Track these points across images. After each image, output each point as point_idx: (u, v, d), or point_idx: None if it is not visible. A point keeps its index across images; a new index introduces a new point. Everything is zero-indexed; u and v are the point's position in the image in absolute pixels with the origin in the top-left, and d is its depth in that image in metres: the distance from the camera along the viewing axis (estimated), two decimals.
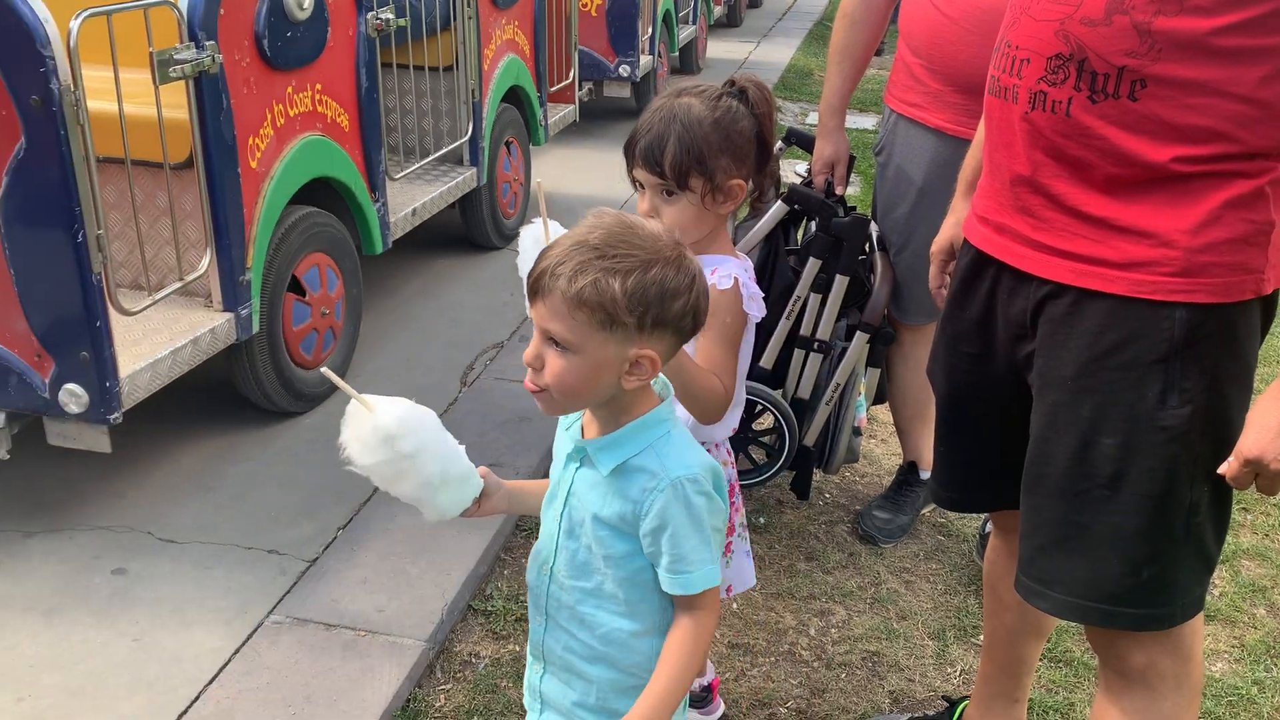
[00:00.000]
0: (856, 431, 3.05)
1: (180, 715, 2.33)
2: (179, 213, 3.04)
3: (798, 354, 2.95)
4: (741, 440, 2.97)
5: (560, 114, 5.97)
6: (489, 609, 2.74)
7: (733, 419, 1.99)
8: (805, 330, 2.91)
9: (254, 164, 3.14)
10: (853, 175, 3.03)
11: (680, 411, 1.83)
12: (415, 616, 2.62)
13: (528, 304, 1.36)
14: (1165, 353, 1.53)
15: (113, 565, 2.81)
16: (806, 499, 3.16)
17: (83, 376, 2.63)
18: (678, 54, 9.23)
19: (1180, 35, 1.43)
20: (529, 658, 1.60)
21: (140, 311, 2.83)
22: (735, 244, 2.34)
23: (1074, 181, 1.55)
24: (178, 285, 2.99)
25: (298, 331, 3.50)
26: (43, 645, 2.53)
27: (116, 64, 2.67)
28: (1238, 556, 3.07)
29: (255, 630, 2.58)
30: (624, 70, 7.33)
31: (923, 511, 3.22)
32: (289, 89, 3.27)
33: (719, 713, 2.40)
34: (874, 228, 2.93)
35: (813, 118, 7.90)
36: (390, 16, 3.76)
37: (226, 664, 2.47)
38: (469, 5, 4.45)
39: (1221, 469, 1.52)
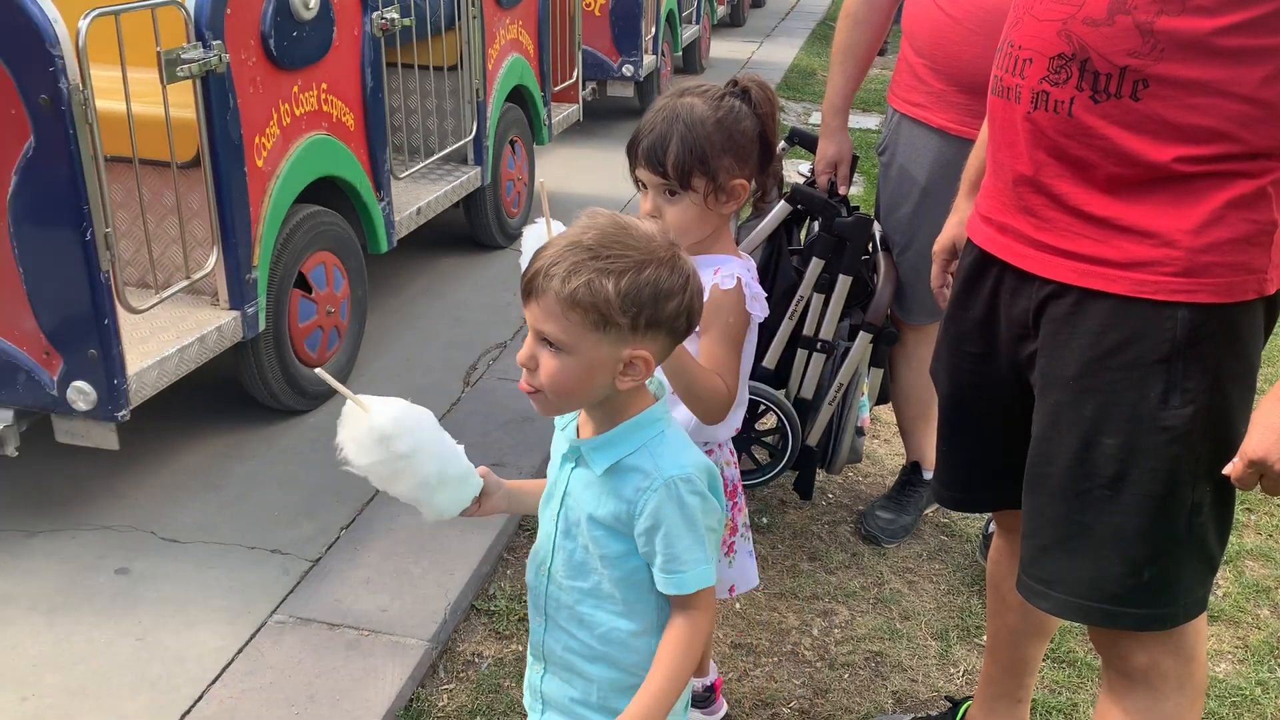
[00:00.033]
0: (859, 431, 3.05)
1: (183, 715, 2.34)
2: (186, 211, 3.04)
3: (801, 354, 2.95)
4: (744, 440, 2.97)
5: (564, 113, 5.98)
6: (492, 609, 2.74)
7: (736, 419, 1.99)
8: (808, 330, 2.91)
9: (260, 163, 3.15)
10: (856, 175, 3.03)
11: (684, 411, 1.84)
12: (418, 616, 2.63)
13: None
14: (1167, 353, 1.52)
15: (116, 565, 2.82)
16: (809, 499, 3.16)
17: (91, 374, 2.64)
18: (681, 54, 9.23)
19: (1182, 35, 1.43)
20: (529, 658, 1.60)
21: (148, 309, 2.84)
22: (738, 244, 2.34)
23: (1076, 181, 1.55)
24: (185, 283, 3.00)
25: (303, 328, 3.50)
26: (46, 645, 2.53)
27: (124, 63, 2.68)
28: (1241, 557, 3.06)
29: (258, 630, 2.59)
30: (627, 70, 7.33)
31: (926, 512, 3.22)
32: (295, 88, 3.28)
33: (722, 713, 2.40)
34: (877, 227, 2.93)
35: (816, 117, 7.90)
36: (395, 16, 3.77)
37: (230, 663, 2.48)
38: (473, 5, 4.46)
39: (1226, 470, 1.51)
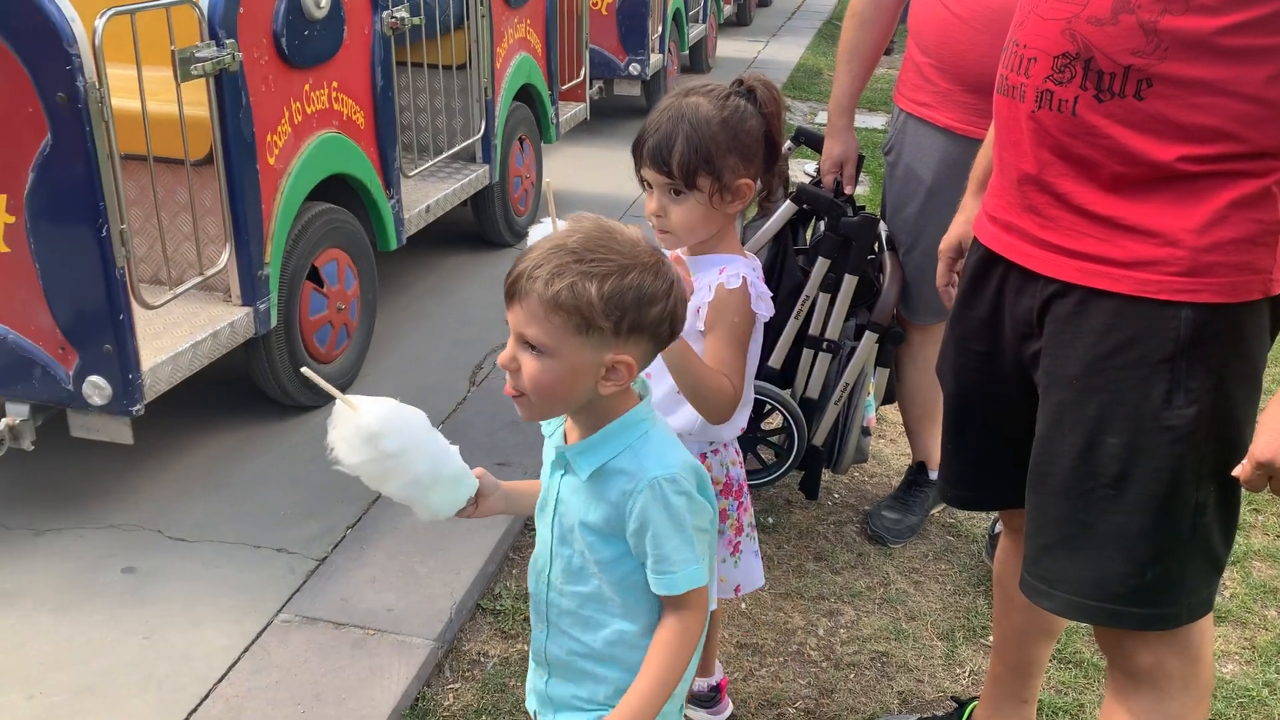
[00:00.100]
0: (865, 431, 3.05)
1: (189, 713, 2.34)
2: (199, 208, 3.07)
3: (806, 354, 2.94)
4: (750, 440, 2.97)
5: (571, 112, 5.99)
6: (498, 608, 2.74)
7: (741, 419, 1.99)
8: (814, 330, 2.91)
9: (272, 161, 3.17)
10: (862, 175, 3.03)
11: (690, 411, 1.84)
12: (424, 615, 2.63)
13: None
14: (1171, 352, 1.52)
15: (123, 564, 2.83)
16: (815, 499, 3.16)
17: (106, 369, 2.66)
18: (688, 53, 9.23)
19: (1186, 34, 1.43)
20: (531, 663, 1.60)
21: (162, 305, 2.86)
22: (744, 243, 2.34)
23: (1080, 180, 1.55)
24: (198, 280, 3.02)
25: (314, 321, 3.52)
26: (53, 643, 2.54)
27: (140, 62, 2.70)
28: (1248, 558, 3.05)
29: (264, 629, 2.59)
30: (634, 69, 7.33)
31: (932, 512, 3.21)
32: (306, 86, 3.30)
33: (727, 713, 2.41)
34: (883, 227, 2.92)
35: (822, 117, 7.89)
36: (405, 15, 3.79)
37: (236, 662, 2.49)
38: (482, 4, 4.48)
39: (1235, 471, 1.51)
